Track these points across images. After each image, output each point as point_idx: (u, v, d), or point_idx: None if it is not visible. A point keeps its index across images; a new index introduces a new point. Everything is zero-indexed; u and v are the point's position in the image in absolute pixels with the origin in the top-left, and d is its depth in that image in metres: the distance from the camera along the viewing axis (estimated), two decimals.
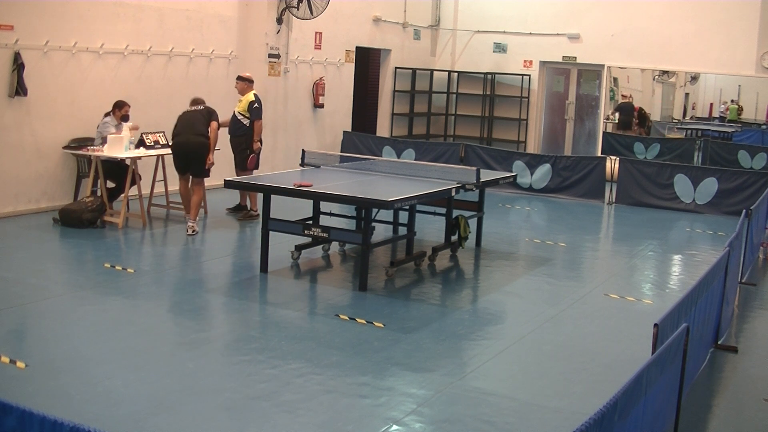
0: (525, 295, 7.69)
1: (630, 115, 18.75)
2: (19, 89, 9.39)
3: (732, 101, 24.52)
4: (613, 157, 14.06)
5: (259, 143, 10.27)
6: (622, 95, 18.99)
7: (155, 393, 4.95)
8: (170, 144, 9.83)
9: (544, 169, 13.60)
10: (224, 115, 10.27)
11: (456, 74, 17.76)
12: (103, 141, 9.58)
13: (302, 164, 9.41)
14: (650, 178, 13.10)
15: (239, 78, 10.46)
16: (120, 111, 9.86)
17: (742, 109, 24.45)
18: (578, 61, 16.62)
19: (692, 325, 4.38)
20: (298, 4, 12.69)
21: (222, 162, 12.22)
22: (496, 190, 12.95)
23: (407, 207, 8.08)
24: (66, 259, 8.37)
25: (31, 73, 9.56)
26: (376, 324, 6.42)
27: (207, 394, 4.98)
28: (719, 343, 6.30)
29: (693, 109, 25.92)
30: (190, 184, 9.73)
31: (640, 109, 19.85)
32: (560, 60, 16.84)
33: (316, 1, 12.62)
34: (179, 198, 10.52)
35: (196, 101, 9.96)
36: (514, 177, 10.39)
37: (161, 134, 10.05)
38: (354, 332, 6.24)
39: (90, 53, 10.33)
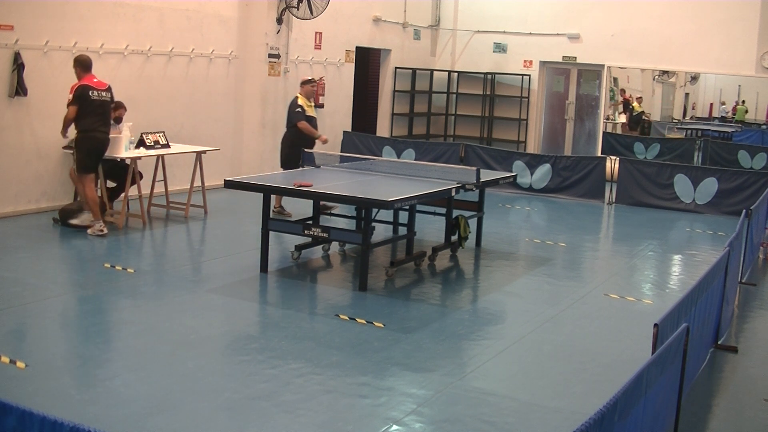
0: (525, 295, 7.69)
1: None
2: (19, 89, 9.39)
3: (743, 102, 24.56)
4: (613, 157, 14.06)
5: None
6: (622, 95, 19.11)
7: (155, 393, 4.95)
8: (81, 137, 8.75)
9: (544, 169, 13.60)
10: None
11: (456, 74, 17.76)
12: None
13: (302, 164, 9.41)
14: (650, 178, 13.10)
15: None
16: (114, 113, 9.81)
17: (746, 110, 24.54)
18: (578, 61, 16.62)
19: (692, 325, 4.38)
20: (298, 4, 12.69)
21: (220, 161, 12.25)
22: (496, 190, 12.95)
23: (407, 207, 8.08)
24: (66, 259, 8.36)
25: (31, 73, 9.56)
26: (376, 324, 6.42)
27: (207, 394, 4.98)
28: (719, 343, 6.30)
29: (693, 109, 25.96)
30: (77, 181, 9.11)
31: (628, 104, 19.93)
32: (560, 60, 16.84)
33: (316, 1, 12.62)
34: (180, 198, 10.54)
35: (86, 65, 8.85)
36: (514, 177, 10.39)
37: (161, 134, 10.04)
38: (354, 332, 6.24)
39: (90, 53, 10.28)
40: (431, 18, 17.60)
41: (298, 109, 10.45)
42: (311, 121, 10.59)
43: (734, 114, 24.89)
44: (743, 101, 24.63)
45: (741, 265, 7.87)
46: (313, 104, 10.77)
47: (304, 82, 10.73)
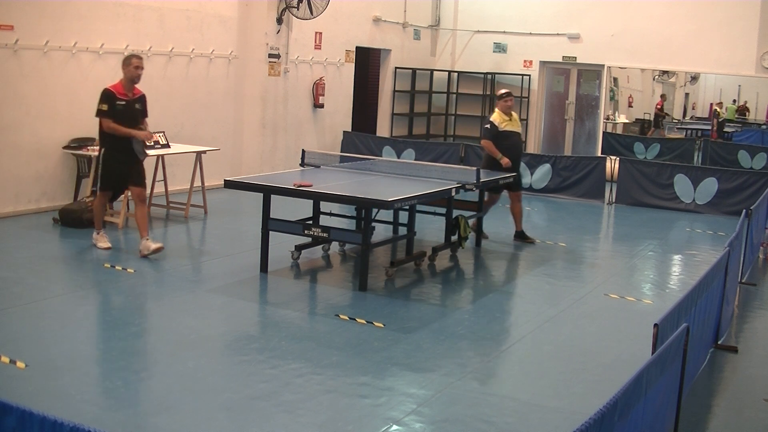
0: (525, 295, 7.69)
1: None
2: None
3: (733, 101, 24.57)
4: (613, 157, 14.06)
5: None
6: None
7: (155, 393, 4.95)
8: (107, 151, 8.15)
9: (544, 169, 13.60)
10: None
11: (456, 74, 17.75)
12: None
13: (302, 164, 9.41)
14: (650, 178, 13.10)
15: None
16: None
17: (748, 110, 24.50)
18: (578, 61, 16.62)
19: (692, 325, 4.38)
20: (298, 4, 12.69)
21: (220, 161, 12.25)
22: None
23: (407, 207, 8.08)
24: (66, 259, 8.36)
25: (31, 73, 9.57)
26: (376, 324, 6.42)
27: (207, 394, 4.98)
28: (719, 343, 6.30)
29: (693, 109, 25.97)
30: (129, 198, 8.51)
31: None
32: (560, 60, 16.84)
33: (316, 1, 12.62)
34: (180, 198, 10.53)
35: (137, 62, 8.07)
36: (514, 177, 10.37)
37: (161, 134, 10.04)
38: (354, 332, 6.24)
39: (90, 53, 10.33)
40: (431, 18, 17.60)
41: (487, 125, 9.85)
42: (510, 137, 9.70)
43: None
44: (734, 100, 24.67)
45: (741, 265, 7.87)
46: (510, 118, 9.75)
47: (498, 98, 9.96)
